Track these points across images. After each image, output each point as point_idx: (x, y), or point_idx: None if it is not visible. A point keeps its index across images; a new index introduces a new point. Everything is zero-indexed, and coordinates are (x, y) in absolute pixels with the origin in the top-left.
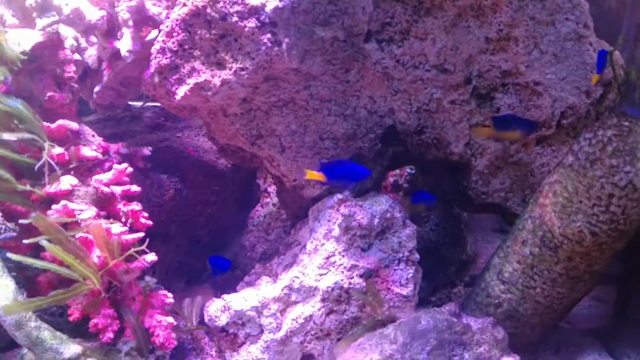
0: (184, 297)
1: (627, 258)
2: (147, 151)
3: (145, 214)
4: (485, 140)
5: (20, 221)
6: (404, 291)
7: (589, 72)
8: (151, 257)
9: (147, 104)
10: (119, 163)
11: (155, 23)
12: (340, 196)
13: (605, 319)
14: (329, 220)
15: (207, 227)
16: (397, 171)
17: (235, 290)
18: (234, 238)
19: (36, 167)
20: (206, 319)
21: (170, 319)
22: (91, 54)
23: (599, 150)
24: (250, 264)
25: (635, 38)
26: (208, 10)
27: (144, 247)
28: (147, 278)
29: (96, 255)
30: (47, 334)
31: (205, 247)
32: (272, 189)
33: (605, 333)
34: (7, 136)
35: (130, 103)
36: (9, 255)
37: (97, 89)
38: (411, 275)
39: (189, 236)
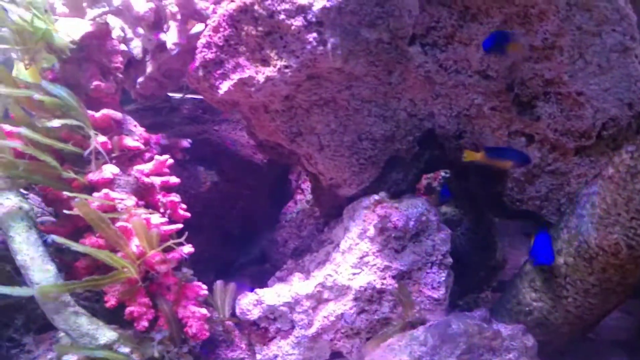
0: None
1: None
2: (186, 143)
3: (184, 206)
4: (523, 147)
5: (65, 211)
6: (436, 294)
7: (633, 84)
8: (188, 248)
9: (186, 96)
10: (159, 154)
11: (201, 17)
12: (376, 197)
13: (632, 332)
14: (364, 221)
15: (238, 221)
16: (432, 174)
17: (266, 285)
18: (263, 232)
19: (85, 154)
20: (238, 312)
21: (204, 310)
22: (136, 45)
23: None
24: (281, 259)
25: None
26: (256, 7)
27: (182, 239)
28: (184, 269)
29: (135, 244)
30: (84, 319)
31: (235, 240)
32: (305, 186)
33: (633, 346)
34: (53, 123)
35: (170, 94)
36: (54, 237)
37: (140, 79)
38: (443, 278)
39: (221, 228)
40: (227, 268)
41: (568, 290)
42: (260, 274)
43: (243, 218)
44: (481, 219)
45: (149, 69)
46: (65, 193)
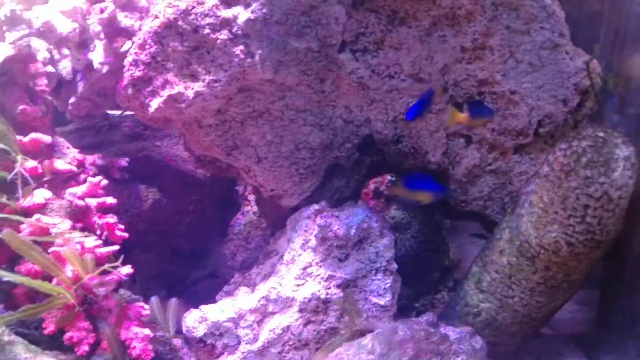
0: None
1: (606, 264)
2: (124, 162)
3: (121, 226)
4: (462, 149)
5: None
6: (382, 301)
7: (566, 80)
8: (127, 269)
9: (125, 112)
10: (96, 175)
11: (129, 34)
12: (316, 206)
13: (589, 325)
14: (305, 231)
15: (187, 236)
16: (379, 178)
17: (214, 300)
18: (214, 246)
19: (8, 178)
20: (184, 329)
21: (147, 331)
22: (65, 66)
23: (573, 162)
24: (230, 272)
25: (613, 45)
26: (179, 22)
27: (118, 262)
28: (122, 291)
29: (70, 269)
30: (20, 348)
31: (185, 256)
32: (252, 197)
33: (588, 340)
34: None
35: (109, 112)
36: None
37: (72, 100)
38: (389, 285)
39: (169, 245)
40: (180, 284)
41: (514, 289)
42: (213, 288)
43: (191, 233)
44: (430, 221)
45: (81, 88)
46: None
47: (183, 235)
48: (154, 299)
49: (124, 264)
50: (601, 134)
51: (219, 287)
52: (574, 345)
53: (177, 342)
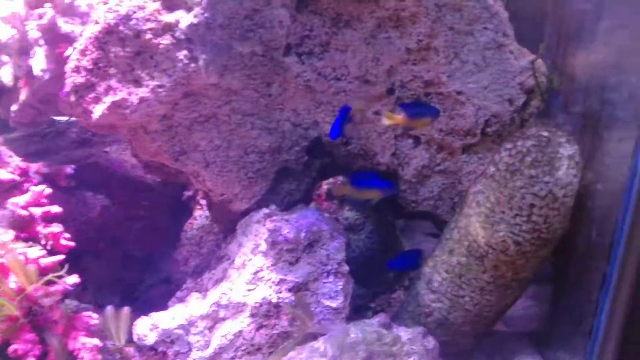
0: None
1: (553, 260)
2: (69, 169)
3: (67, 235)
4: (411, 149)
5: None
6: (334, 304)
7: (511, 79)
8: (73, 279)
9: (72, 118)
10: (40, 183)
11: (70, 40)
12: (266, 210)
13: (542, 321)
14: (255, 235)
15: (139, 242)
16: (332, 180)
17: (167, 306)
18: (169, 252)
19: None
20: (135, 337)
21: (96, 341)
22: (6, 73)
23: (518, 161)
24: (183, 278)
25: (557, 44)
26: (121, 27)
27: (63, 272)
28: (68, 301)
29: (13, 280)
30: None
31: (139, 262)
32: (204, 201)
33: (540, 336)
34: None
35: (56, 118)
36: None
37: (14, 107)
38: (341, 287)
39: (121, 251)
40: (134, 290)
41: (464, 289)
42: (168, 294)
43: (143, 239)
44: (384, 221)
45: (23, 96)
46: None
47: (135, 242)
48: (109, 308)
49: (74, 272)
50: (545, 134)
51: (173, 292)
52: (527, 342)
53: (129, 350)
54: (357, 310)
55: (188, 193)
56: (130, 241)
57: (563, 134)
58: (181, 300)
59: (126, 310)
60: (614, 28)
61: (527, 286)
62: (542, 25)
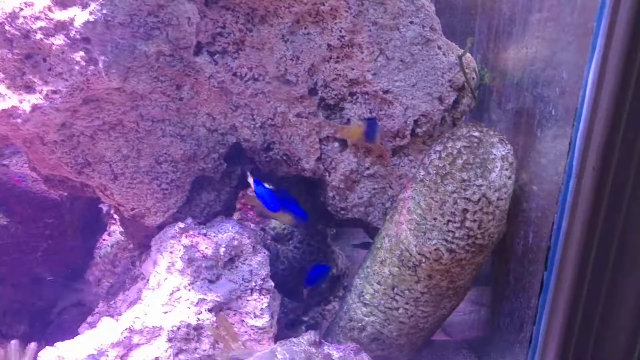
0: (26, 341)
1: (493, 263)
2: None
3: None
4: (337, 153)
5: None
6: (259, 322)
7: (440, 76)
8: None
9: None
10: None
11: None
12: (181, 225)
13: (483, 327)
14: (171, 252)
15: (46, 263)
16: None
17: (77, 333)
18: (82, 272)
19: None
20: None
21: None
22: None
23: (448, 164)
24: (96, 300)
25: (487, 39)
26: (6, 27)
27: None
28: None
29: None
30: None
31: (49, 284)
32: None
33: (480, 343)
34: None
35: None
36: None
37: None
38: (266, 304)
39: (27, 274)
40: (44, 316)
41: (398, 301)
42: (82, 319)
43: (51, 260)
44: (313, 230)
45: None
46: None
47: (42, 263)
48: (14, 343)
49: None
50: (476, 134)
51: (87, 316)
52: (466, 350)
53: None
54: (290, 325)
55: (102, 207)
56: (37, 263)
57: (495, 134)
58: (92, 325)
59: (33, 345)
60: (545, 21)
61: (465, 294)
62: (473, 19)
